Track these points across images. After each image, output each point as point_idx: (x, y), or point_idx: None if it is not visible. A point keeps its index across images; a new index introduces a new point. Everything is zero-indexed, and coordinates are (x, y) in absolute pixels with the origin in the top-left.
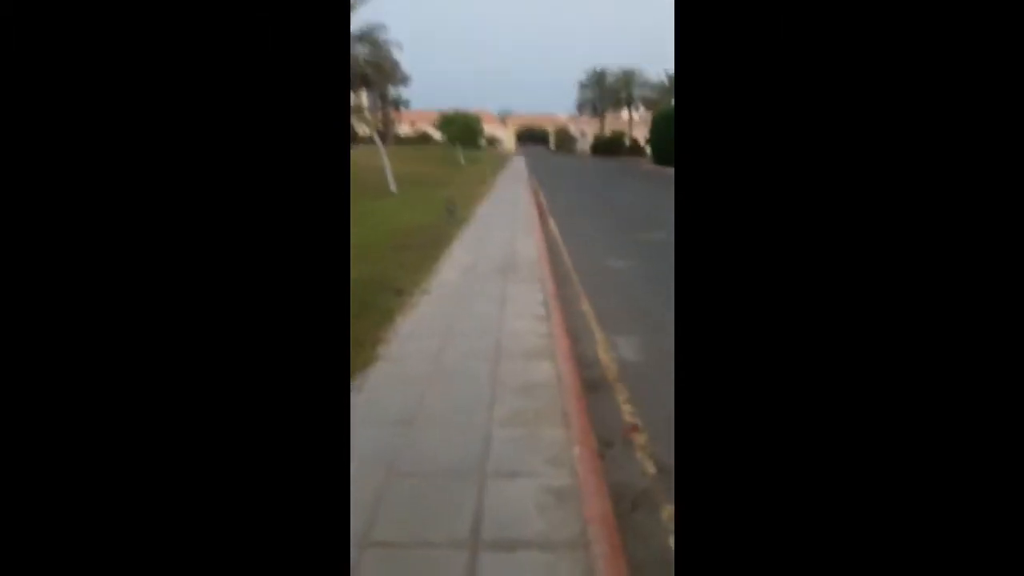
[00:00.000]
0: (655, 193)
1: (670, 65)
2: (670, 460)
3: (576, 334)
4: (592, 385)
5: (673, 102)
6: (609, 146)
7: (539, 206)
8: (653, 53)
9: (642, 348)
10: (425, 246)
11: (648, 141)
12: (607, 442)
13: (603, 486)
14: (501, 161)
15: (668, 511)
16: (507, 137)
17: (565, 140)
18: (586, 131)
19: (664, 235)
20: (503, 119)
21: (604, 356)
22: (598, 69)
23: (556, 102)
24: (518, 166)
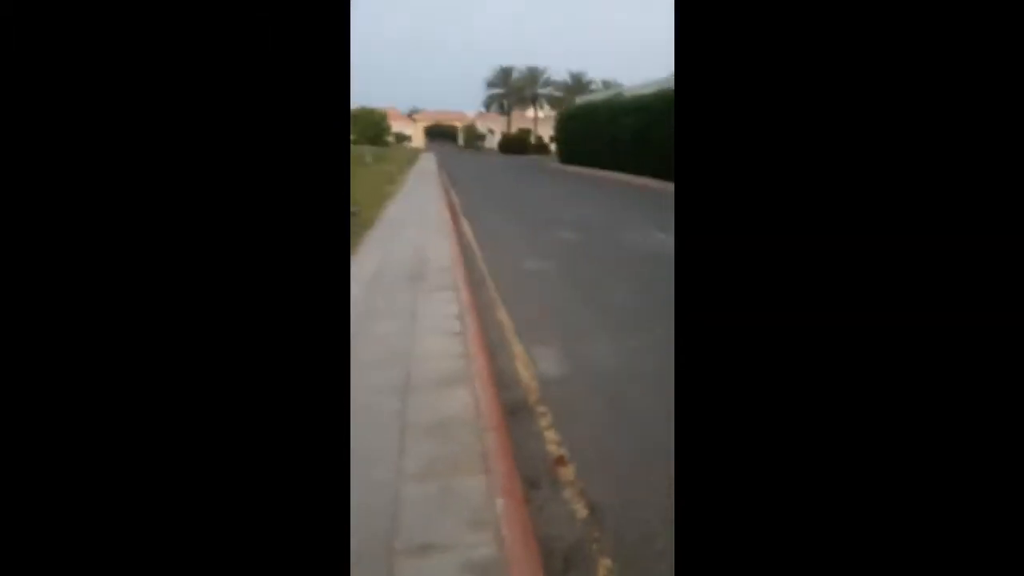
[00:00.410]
0: (563, 192)
1: (574, 64)
2: (601, 497)
3: (493, 349)
4: (513, 409)
5: (577, 101)
6: (516, 144)
7: (450, 206)
8: (557, 52)
9: (563, 360)
10: None
11: (553, 139)
12: (532, 482)
13: (532, 547)
14: (409, 159)
15: (604, 566)
16: (416, 134)
17: (473, 137)
18: (494, 129)
19: (576, 236)
20: (411, 116)
21: (524, 373)
22: (504, 67)
23: (464, 100)
24: (427, 164)
